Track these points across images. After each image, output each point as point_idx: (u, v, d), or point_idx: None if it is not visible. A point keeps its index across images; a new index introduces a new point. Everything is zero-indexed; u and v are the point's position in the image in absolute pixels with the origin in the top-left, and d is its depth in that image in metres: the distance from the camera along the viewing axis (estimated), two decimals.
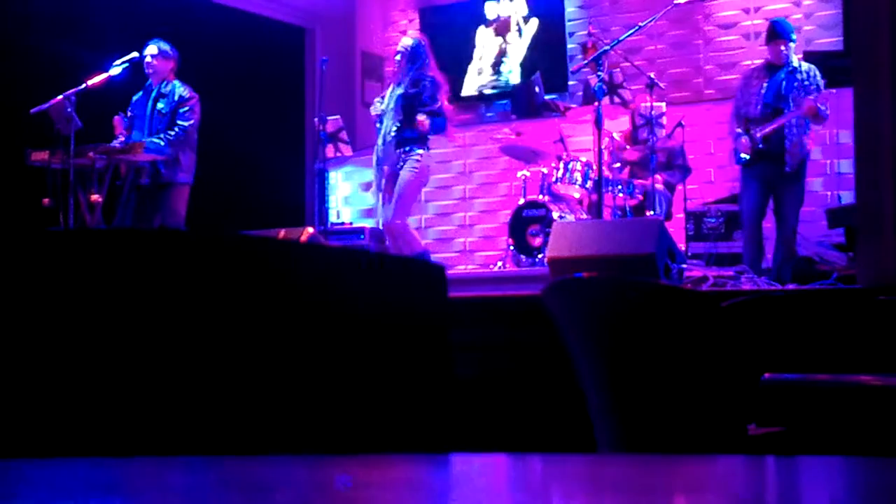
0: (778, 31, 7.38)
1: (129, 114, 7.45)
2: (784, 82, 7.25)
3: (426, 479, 1.12)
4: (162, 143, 7.20)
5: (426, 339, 1.51)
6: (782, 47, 7.28)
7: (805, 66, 7.36)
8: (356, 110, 10.55)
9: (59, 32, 8.12)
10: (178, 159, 7.31)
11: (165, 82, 7.43)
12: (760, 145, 7.16)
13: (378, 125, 7.64)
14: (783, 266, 7.01)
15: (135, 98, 7.51)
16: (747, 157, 7.22)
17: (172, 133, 7.26)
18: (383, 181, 7.53)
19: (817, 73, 7.31)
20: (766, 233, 7.41)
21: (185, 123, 7.31)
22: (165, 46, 7.48)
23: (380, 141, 7.55)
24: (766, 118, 7.21)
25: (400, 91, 7.51)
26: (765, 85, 7.28)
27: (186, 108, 7.33)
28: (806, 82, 7.22)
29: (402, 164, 7.41)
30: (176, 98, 7.36)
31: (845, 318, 3.21)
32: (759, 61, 7.79)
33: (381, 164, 7.52)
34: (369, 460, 1.26)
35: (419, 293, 1.52)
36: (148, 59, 7.41)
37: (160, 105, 7.37)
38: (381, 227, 7.78)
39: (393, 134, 7.43)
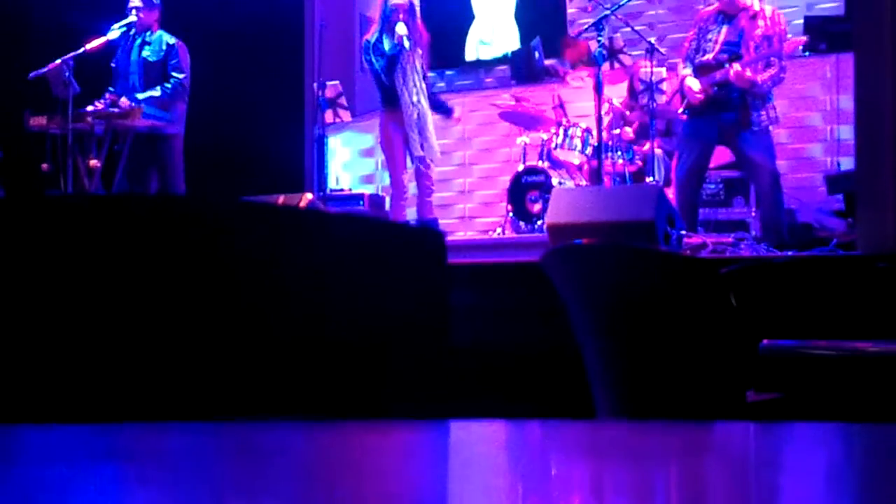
0: None
1: (112, 65, 7.37)
2: (745, 28, 6.53)
3: (425, 445, 1.12)
4: (158, 93, 7.10)
5: (425, 306, 1.51)
6: None
7: (769, 9, 6.59)
8: (355, 76, 10.49)
9: None
10: (169, 111, 7.24)
11: (149, 31, 7.34)
12: (714, 90, 6.49)
13: (384, 80, 7.50)
14: (778, 225, 6.41)
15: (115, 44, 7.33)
16: (695, 99, 6.54)
17: (169, 86, 7.18)
18: (413, 126, 7.36)
19: (782, 18, 6.59)
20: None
21: (180, 76, 7.21)
22: None
23: (411, 98, 7.35)
24: (721, 64, 6.49)
25: (415, 49, 7.39)
26: (723, 29, 6.57)
27: (176, 60, 7.25)
28: (769, 31, 6.48)
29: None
30: (163, 47, 7.26)
31: (844, 284, 3.21)
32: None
33: (413, 122, 7.34)
34: (368, 426, 1.26)
35: (418, 260, 1.52)
36: (133, 12, 7.31)
37: (146, 53, 7.26)
38: (414, 170, 7.57)
39: (424, 91, 7.37)
